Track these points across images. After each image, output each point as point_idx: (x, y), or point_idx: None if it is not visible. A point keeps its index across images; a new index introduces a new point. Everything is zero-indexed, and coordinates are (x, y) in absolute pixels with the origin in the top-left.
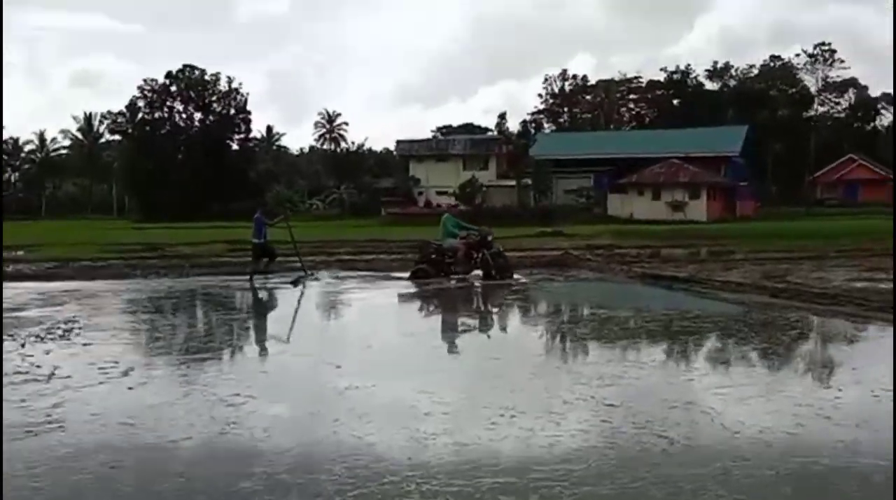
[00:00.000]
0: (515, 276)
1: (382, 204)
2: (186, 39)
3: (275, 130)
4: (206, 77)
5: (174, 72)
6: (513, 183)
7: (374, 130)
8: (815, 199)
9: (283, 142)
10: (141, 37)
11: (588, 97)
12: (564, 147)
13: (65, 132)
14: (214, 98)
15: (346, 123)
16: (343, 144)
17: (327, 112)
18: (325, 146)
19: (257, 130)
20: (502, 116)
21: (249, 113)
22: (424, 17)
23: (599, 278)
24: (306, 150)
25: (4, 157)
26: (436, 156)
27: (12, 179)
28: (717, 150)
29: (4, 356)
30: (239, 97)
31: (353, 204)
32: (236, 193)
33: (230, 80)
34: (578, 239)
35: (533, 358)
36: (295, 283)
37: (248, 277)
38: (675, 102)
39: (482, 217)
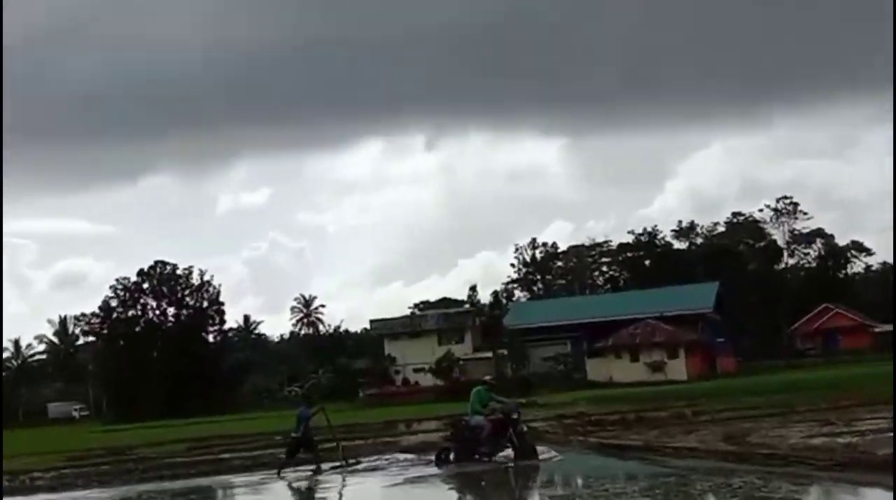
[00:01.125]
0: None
1: (359, 386)
2: (167, 235)
3: (252, 319)
4: (178, 271)
5: (146, 269)
6: (489, 354)
7: (354, 311)
8: (795, 350)
9: (265, 329)
10: (119, 238)
11: (560, 263)
12: (538, 315)
13: (39, 337)
14: (187, 292)
15: (323, 306)
16: (322, 328)
17: (303, 297)
18: (303, 331)
19: (234, 320)
20: (473, 288)
21: (222, 304)
22: (400, 197)
23: (558, 450)
24: (287, 336)
25: None
26: (409, 333)
27: None
28: (691, 307)
29: None
30: (211, 289)
31: (331, 388)
32: (213, 387)
33: (202, 274)
34: (552, 409)
35: None
36: (316, 471)
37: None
38: (646, 263)
39: (460, 392)
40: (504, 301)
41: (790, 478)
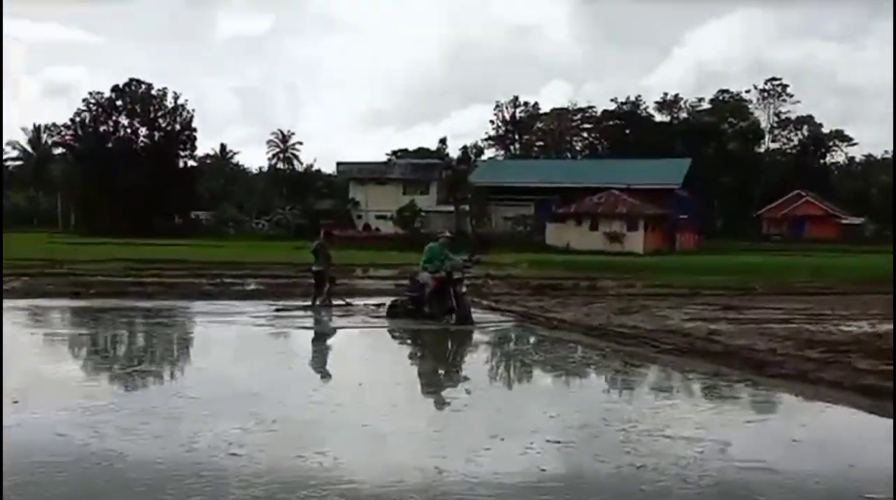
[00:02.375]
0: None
1: (319, 226)
2: (164, 52)
3: (229, 148)
4: (153, 92)
5: (121, 85)
6: (451, 209)
7: (336, 153)
8: (761, 234)
9: (245, 161)
10: (114, 50)
11: (540, 125)
12: (507, 174)
13: (12, 144)
14: (160, 114)
15: (300, 143)
16: (297, 164)
17: (281, 132)
18: (278, 166)
19: (211, 148)
20: (443, 141)
21: (194, 130)
22: (401, 41)
23: None
24: (264, 170)
25: None
26: (376, 179)
27: None
28: (659, 182)
29: None
30: (185, 114)
31: (297, 225)
32: (181, 210)
33: (176, 96)
34: (490, 268)
35: None
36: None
37: (310, 304)
38: (626, 132)
39: (419, 242)
40: (472, 157)
41: (629, 357)
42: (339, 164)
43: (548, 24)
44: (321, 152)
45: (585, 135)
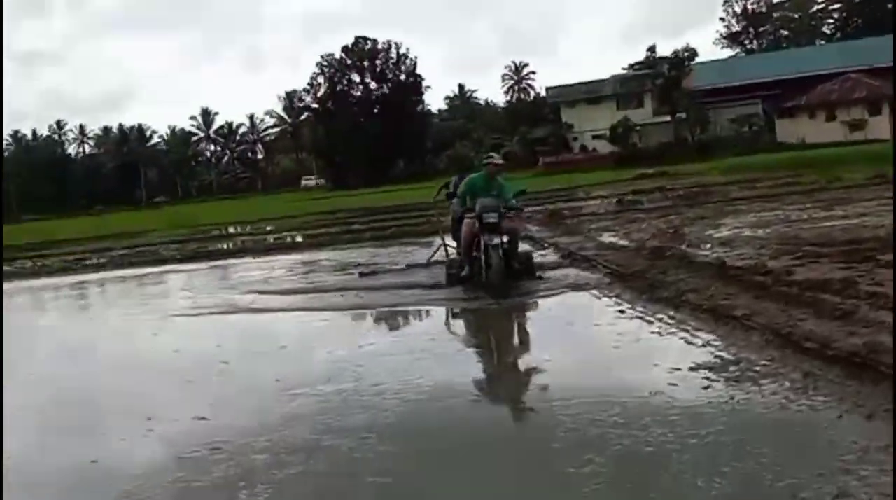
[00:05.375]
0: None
1: (536, 154)
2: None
3: (467, 87)
4: (378, 46)
5: (349, 45)
6: (668, 119)
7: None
8: None
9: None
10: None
11: (776, 16)
12: (727, 74)
13: (269, 112)
14: (388, 66)
15: (534, 73)
16: (532, 94)
17: (514, 63)
18: (512, 98)
19: (450, 89)
20: (652, 49)
21: (420, 77)
22: None
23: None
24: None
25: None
26: (587, 99)
27: (232, 160)
28: None
29: None
30: (409, 62)
31: (522, 156)
32: (414, 156)
33: (398, 47)
34: (666, 179)
35: None
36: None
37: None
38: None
39: (637, 157)
40: (686, 61)
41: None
42: (548, 89)
43: None
44: (557, 79)
45: (836, 17)
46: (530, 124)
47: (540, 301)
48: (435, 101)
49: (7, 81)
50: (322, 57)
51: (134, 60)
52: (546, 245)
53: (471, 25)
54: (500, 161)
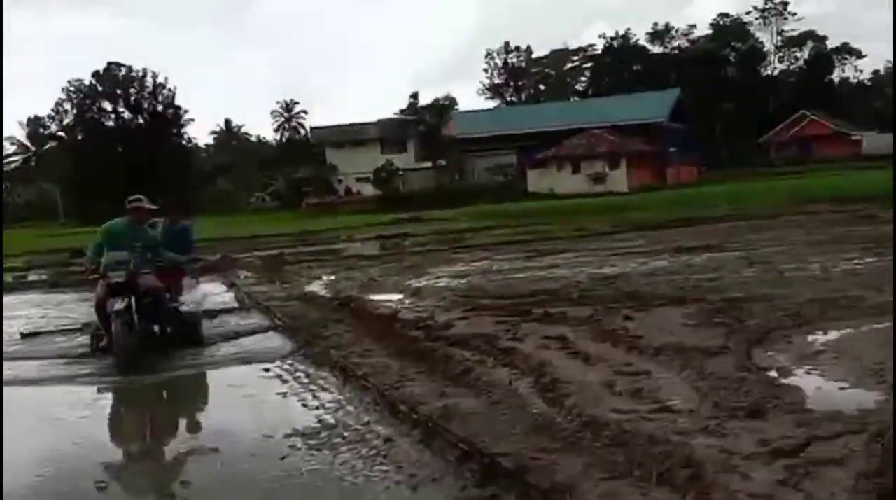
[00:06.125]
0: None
1: (301, 194)
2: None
3: (234, 122)
4: (133, 73)
5: (100, 71)
6: (429, 165)
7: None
8: (768, 159)
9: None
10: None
11: (534, 71)
12: (486, 124)
13: (10, 139)
14: (143, 95)
15: (305, 112)
16: (302, 133)
17: (285, 102)
18: (281, 137)
19: (216, 123)
20: (415, 96)
21: (179, 108)
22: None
23: None
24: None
25: None
26: (353, 141)
27: None
28: (645, 117)
29: None
30: (167, 92)
31: (287, 195)
32: (175, 190)
33: (155, 76)
34: (423, 225)
35: None
36: None
37: None
38: (622, 66)
39: (399, 201)
40: (446, 110)
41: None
42: (313, 128)
43: None
44: (327, 119)
45: (584, 77)
46: (296, 164)
47: (173, 374)
48: (201, 135)
49: None
50: (69, 82)
51: None
52: (243, 293)
53: (245, 58)
54: (150, 206)
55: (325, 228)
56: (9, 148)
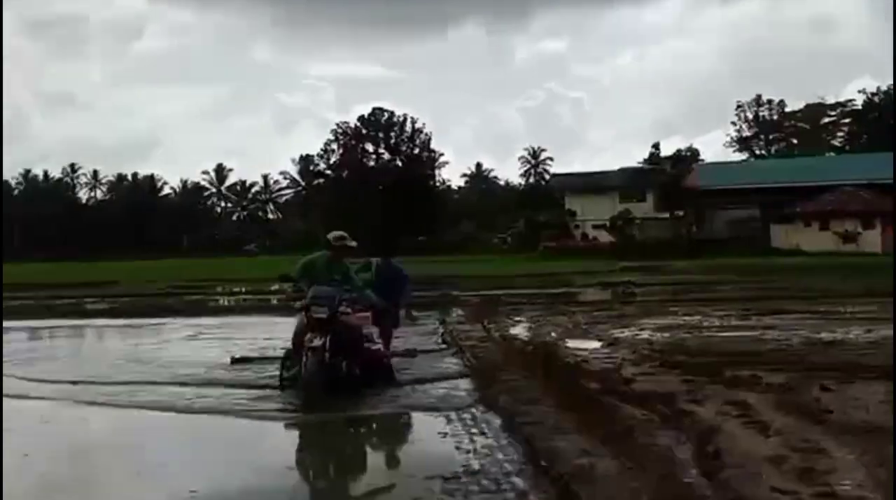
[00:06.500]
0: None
1: (539, 238)
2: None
3: (484, 166)
4: (394, 119)
5: (366, 115)
6: (668, 215)
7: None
8: None
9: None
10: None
11: (787, 124)
12: (729, 177)
13: (284, 174)
14: (402, 138)
15: (551, 159)
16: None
17: (532, 148)
18: (526, 181)
19: (467, 166)
20: (656, 146)
21: (434, 152)
22: (694, 48)
23: None
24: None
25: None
26: (593, 189)
27: (240, 216)
28: None
29: None
30: (423, 137)
31: (527, 238)
32: (424, 229)
33: (413, 121)
34: (648, 274)
35: None
36: None
37: None
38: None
39: (633, 249)
40: (688, 161)
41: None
42: (552, 176)
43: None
44: (571, 166)
45: (841, 132)
46: (535, 208)
47: (346, 414)
48: (454, 176)
49: (36, 122)
50: (338, 124)
51: (162, 110)
52: (448, 331)
53: (497, 106)
54: (352, 243)
55: (547, 272)
56: (282, 182)
